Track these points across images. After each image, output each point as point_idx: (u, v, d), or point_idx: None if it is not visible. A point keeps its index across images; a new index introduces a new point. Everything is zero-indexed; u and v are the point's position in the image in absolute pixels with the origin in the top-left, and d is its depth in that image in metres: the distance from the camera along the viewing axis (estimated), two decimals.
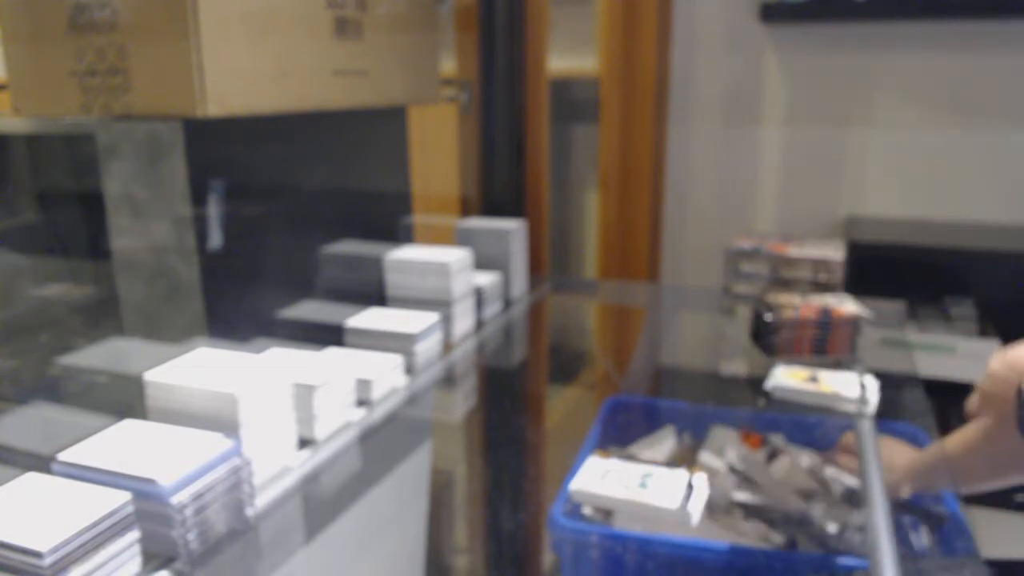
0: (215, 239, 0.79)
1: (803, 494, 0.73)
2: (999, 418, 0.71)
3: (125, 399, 0.79)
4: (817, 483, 0.74)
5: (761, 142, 1.56)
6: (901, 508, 0.71)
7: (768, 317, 1.00)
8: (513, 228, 1.20)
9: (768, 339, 1.02)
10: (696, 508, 0.62)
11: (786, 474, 0.75)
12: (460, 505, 0.87)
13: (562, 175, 1.88)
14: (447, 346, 1.02)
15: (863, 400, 0.90)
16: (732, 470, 0.78)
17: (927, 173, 1.48)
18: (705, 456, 0.82)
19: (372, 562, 0.72)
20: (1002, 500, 1.28)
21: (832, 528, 0.72)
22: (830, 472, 0.77)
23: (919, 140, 1.47)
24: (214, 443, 0.60)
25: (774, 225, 1.58)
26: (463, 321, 1.06)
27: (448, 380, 0.98)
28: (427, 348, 0.95)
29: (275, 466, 0.69)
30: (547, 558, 0.80)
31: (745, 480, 0.70)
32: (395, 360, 0.88)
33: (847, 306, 1.02)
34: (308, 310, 0.96)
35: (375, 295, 1.05)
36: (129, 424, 0.63)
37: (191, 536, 0.56)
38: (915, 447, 0.85)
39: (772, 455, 0.76)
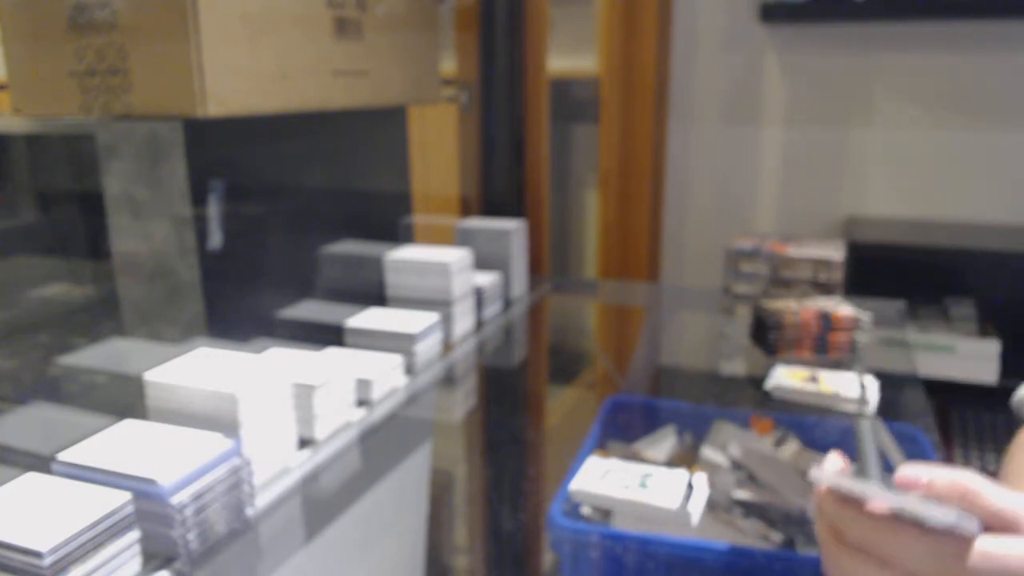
0: (215, 239, 0.79)
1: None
2: None
3: (125, 399, 0.79)
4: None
5: (761, 142, 1.56)
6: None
7: (768, 318, 1.00)
8: (513, 228, 1.20)
9: (768, 339, 1.02)
10: (696, 508, 0.63)
11: (794, 457, 0.75)
12: (460, 505, 0.87)
13: (562, 175, 1.88)
14: (447, 346, 1.02)
15: (863, 400, 0.90)
16: (734, 465, 0.78)
17: (927, 173, 1.48)
18: (707, 451, 0.82)
19: (372, 562, 0.72)
20: None
21: None
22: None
23: (919, 140, 1.47)
24: (214, 443, 0.60)
25: (774, 225, 1.58)
26: (463, 321, 1.06)
27: (448, 380, 0.98)
28: (427, 348, 0.95)
29: (275, 466, 0.69)
30: (547, 558, 0.80)
31: (746, 477, 0.70)
32: (395, 360, 0.88)
33: (843, 309, 1.02)
34: (308, 310, 0.96)
35: (375, 295, 1.05)
36: (129, 424, 0.63)
37: (191, 536, 0.56)
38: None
39: (781, 440, 0.76)
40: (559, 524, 0.61)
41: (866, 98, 1.48)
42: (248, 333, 0.87)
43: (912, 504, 0.37)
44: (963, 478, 0.38)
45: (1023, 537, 0.36)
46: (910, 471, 0.39)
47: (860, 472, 0.58)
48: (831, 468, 0.42)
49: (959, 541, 0.36)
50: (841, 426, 0.79)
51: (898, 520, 0.38)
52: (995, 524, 0.37)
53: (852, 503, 0.39)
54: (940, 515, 0.36)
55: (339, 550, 0.69)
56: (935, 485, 0.38)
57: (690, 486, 0.66)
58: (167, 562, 0.56)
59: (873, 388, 0.92)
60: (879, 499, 0.38)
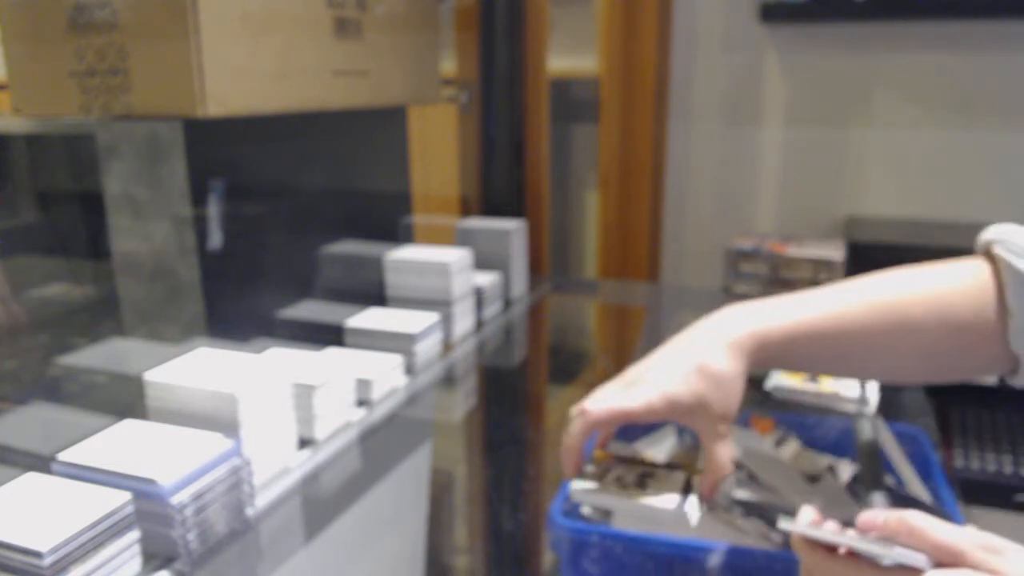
0: (215, 239, 0.79)
1: (810, 478, 0.73)
2: None
3: (125, 399, 0.79)
4: (824, 467, 0.74)
5: (761, 142, 1.56)
6: (898, 505, 0.71)
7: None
8: (513, 228, 1.20)
9: None
10: (695, 508, 0.62)
11: (794, 457, 0.75)
12: (460, 505, 0.87)
13: (562, 175, 1.88)
14: (447, 346, 1.02)
15: (863, 400, 0.90)
16: (734, 465, 0.78)
17: (927, 173, 1.48)
18: None
19: (372, 562, 0.72)
20: (1002, 500, 1.28)
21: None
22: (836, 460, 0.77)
23: (919, 140, 1.47)
24: (214, 443, 0.60)
25: (774, 225, 1.58)
26: (463, 321, 1.06)
27: (448, 380, 0.98)
28: (427, 348, 0.95)
29: (275, 466, 0.69)
30: (547, 558, 0.80)
31: (746, 477, 0.70)
32: (395, 360, 0.88)
33: None
34: (308, 310, 0.96)
35: (375, 295, 1.05)
36: (129, 424, 0.63)
37: (191, 536, 0.56)
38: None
39: (781, 440, 0.76)
40: (559, 524, 0.61)
41: (866, 98, 1.48)
42: (248, 333, 0.87)
43: (866, 545, 0.42)
44: (909, 517, 0.43)
45: (965, 569, 0.40)
46: (868, 515, 0.45)
47: (870, 472, 0.58)
48: (804, 519, 0.48)
49: (909, 574, 0.41)
50: (841, 426, 0.79)
51: (859, 559, 0.43)
52: (942, 558, 0.41)
53: (821, 548, 0.45)
54: (888, 553, 0.41)
55: (339, 550, 0.69)
56: (888, 525, 0.43)
57: (690, 486, 0.66)
58: (167, 562, 0.56)
59: (873, 388, 0.92)
60: (840, 542, 0.44)
